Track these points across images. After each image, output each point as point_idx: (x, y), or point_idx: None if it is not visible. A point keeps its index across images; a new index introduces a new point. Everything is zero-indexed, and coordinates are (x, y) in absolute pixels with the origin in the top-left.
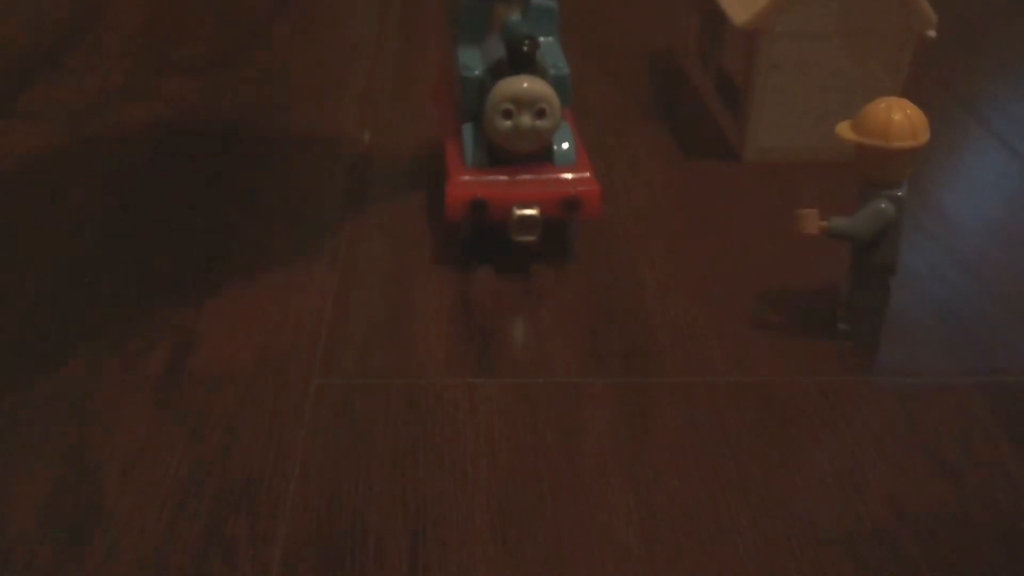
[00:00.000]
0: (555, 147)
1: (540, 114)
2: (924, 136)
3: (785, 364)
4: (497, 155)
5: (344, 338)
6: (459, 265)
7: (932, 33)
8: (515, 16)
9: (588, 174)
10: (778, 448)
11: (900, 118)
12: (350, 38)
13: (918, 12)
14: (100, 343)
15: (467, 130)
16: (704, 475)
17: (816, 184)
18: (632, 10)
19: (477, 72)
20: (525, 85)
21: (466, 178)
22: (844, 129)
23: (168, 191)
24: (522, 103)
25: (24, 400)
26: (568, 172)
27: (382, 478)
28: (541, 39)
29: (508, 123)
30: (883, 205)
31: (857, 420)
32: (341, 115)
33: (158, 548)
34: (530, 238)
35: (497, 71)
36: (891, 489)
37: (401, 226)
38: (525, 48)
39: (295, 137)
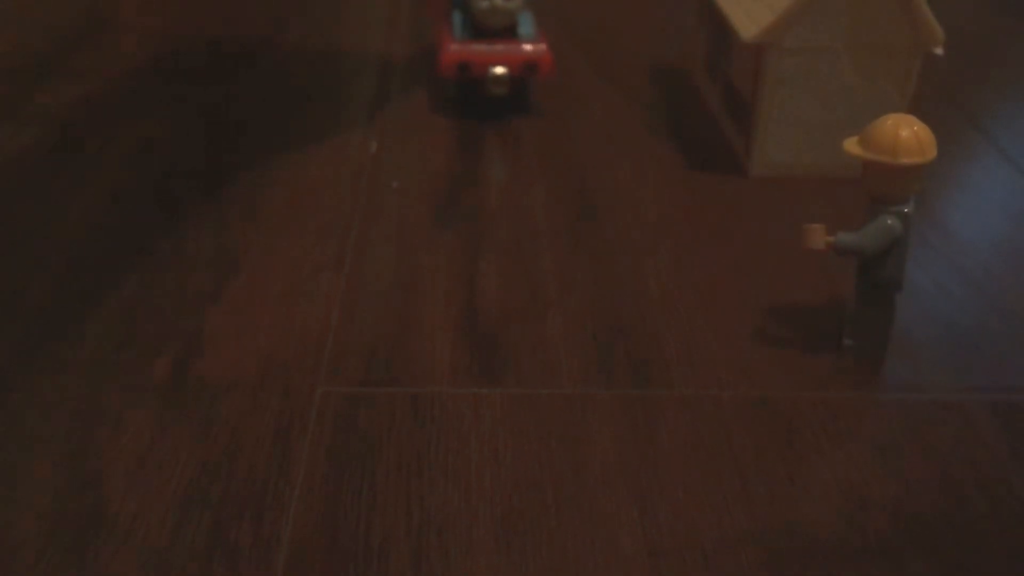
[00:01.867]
0: (520, 28)
1: None
2: (931, 153)
3: (790, 378)
4: (477, 32)
5: (350, 345)
6: (465, 275)
7: (940, 50)
8: None
9: (544, 46)
10: (783, 462)
11: (907, 134)
12: (359, 50)
13: (926, 29)
14: (106, 347)
15: (456, 15)
16: (709, 489)
17: (822, 199)
18: (640, 24)
19: None
20: None
21: (455, 47)
22: (851, 145)
23: (175, 196)
24: None
25: (29, 403)
26: (528, 44)
27: (386, 486)
28: None
29: (485, 3)
30: (890, 221)
31: (862, 435)
32: (350, 123)
33: (162, 553)
34: (501, 91)
35: None
36: (896, 505)
37: (408, 234)
38: None
39: (300, 145)
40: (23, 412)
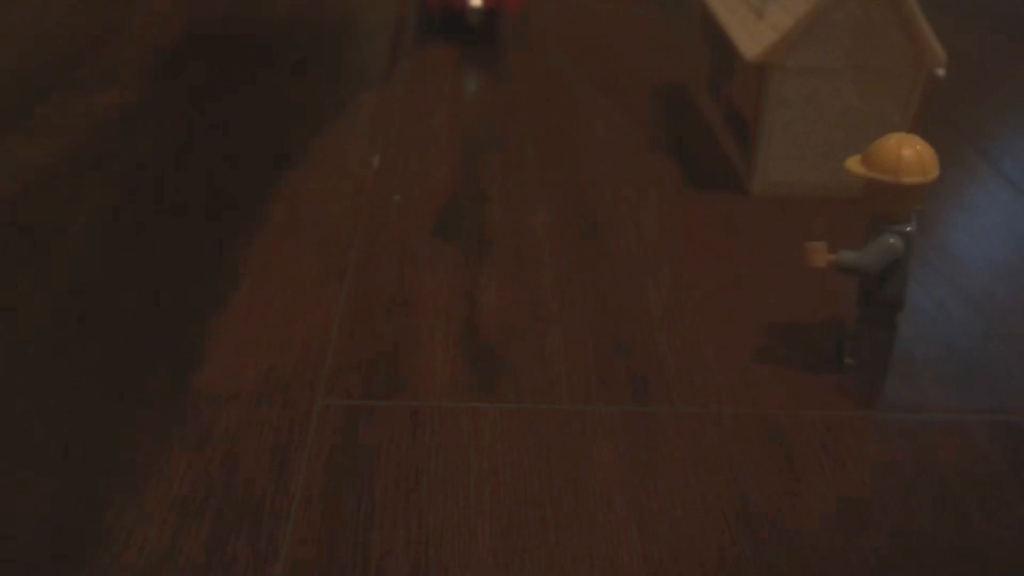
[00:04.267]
0: None
1: None
2: (934, 172)
3: (791, 397)
4: None
5: (349, 359)
6: (466, 290)
7: (941, 72)
8: None
9: None
10: (783, 481)
11: (910, 154)
12: (362, 65)
13: (928, 50)
14: (106, 358)
15: None
16: (709, 506)
17: (823, 218)
18: (642, 42)
19: None
20: None
21: None
22: (854, 164)
23: (178, 209)
24: None
25: (27, 412)
26: None
27: (385, 501)
28: None
29: None
30: (892, 240)
31: (863, 455)
32: (353, 137)
33: (158, 566)
34: (478, 20)
35: None
36: (896, 524)
37: (409, 248)
38: None
39: (303, 158)
40: (21, 422)
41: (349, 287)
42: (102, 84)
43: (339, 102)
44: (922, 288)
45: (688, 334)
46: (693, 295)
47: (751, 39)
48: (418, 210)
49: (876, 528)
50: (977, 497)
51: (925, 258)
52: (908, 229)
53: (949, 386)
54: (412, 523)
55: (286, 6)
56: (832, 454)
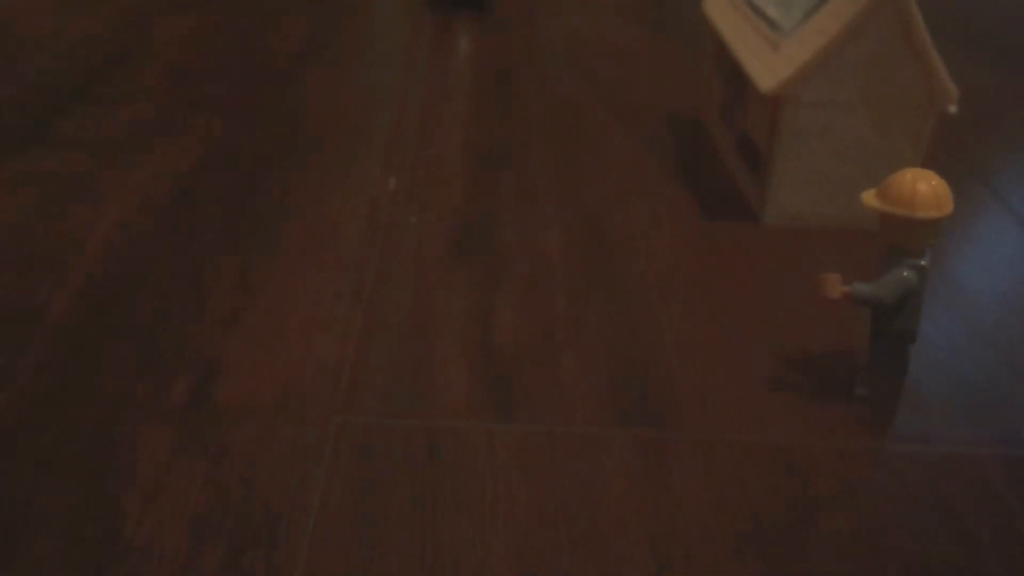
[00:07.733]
0: None
1: None
2: (948, 207)
3: (803, 426)
4: None
5: (366, 377)
6: (481, 312)
7: (953, 108)
8: None
9: None
10: (796, 509)
11: (925, 188)
12: (377, 85)
13: (940, 87)
14: (124, 373)
15: None
16: (722, 533)
17: (834, 250)
18: (656, 70)
19: None
20: None
21: None
22: (869, 197)
23: (195, 225)
24: None
25: (47, 426)
26: None
27: (401, 518)
28: None
29: None
30: (906, 273)
31: (875, 485)
32: (369, 159)
33: None
34: None
35: None
36: (908, 555)
37: (425, 269)
38: None
39: (320, 179)
40: (41, 434)
41: (365, 307)
42: (122, 101)
43: (356, 125)
44: (932, 321)
45: (701, 361)
46: (705, 322)
47: (767, 72)
48: (433, 232)
49: (889, 558)
50: (989, 529)
51: (935, 291)
52: (922, 263)
53: (959, 418)
54: (428, 541)
55: (304, 29)
56: (844, 483)
